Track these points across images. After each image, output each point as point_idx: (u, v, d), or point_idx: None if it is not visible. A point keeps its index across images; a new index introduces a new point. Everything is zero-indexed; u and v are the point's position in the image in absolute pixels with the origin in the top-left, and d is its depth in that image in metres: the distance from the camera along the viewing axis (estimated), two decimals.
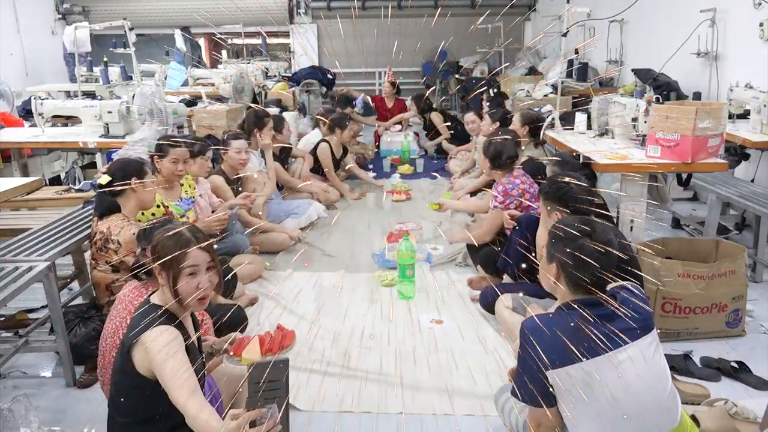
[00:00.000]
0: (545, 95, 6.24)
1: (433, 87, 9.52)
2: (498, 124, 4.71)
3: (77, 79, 4.97)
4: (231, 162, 3.83)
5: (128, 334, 1.66)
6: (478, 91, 6.41)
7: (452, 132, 6.76)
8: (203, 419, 1.49)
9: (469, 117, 5.39)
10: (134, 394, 1.63)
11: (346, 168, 5.46)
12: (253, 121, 4.33)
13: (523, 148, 4.15)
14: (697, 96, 4.63)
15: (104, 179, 2.58)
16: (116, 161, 2.77)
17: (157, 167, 3.11)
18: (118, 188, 2.57)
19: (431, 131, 6.96)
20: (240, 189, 3.94)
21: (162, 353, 1.55)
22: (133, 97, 4.12)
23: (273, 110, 6.33)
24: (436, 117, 6.71)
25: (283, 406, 1.42)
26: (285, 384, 1.40)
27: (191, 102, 5.66)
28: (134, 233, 2.42)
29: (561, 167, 2.90)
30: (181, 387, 1.53)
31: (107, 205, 2.58)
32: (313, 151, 5.19)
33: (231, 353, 1.92)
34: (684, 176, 3.84)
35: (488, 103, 5.92)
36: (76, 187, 3.93)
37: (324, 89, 8.95)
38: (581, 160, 3.22)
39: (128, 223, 2.53)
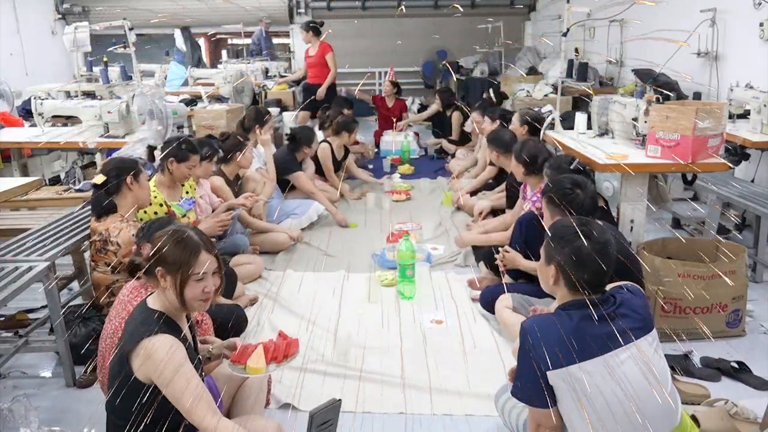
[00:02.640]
0: (545, 95, 6.25)
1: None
2: (498, 122, 4.71)
3: (76, 77, 4.98)
4: (245, 163, 3.87)
5: (125, 339, 1.63)
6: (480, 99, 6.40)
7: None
8: None
9: (475, 116, 5.38)
10: (131, 398, 1.63)
11: (345, 167, 5.45)
12: (254, 118, 4.41)
13: None
14: (697, 96, 4.62)
15: (99, 178, 2.56)
16: (110, 160, 2.75)
17: (169, 169, 3.11)
18: (114, 187, 2.57)
19: (444, 128, 6.89)
20: (238, 189, 3.95)
21: (168, 366, 1.54)
22: (133, 97, 4.12)
23: (273, 110, 6.35)
24: (456, 117, 6.67)
25: None
26: (337, 419, 1.55)
27: (191, 102, 5.66)
28: (133, 234, 2.42)
29: (556, 172, 2.87)
30: (196, 402, 1.53)
31: (104, 204, 2.57)
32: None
33: (234, 361, 1.93)
34: (690, 176, 3.84)
35: (492, 97, 5.93)
36: (76, 187, 3.93)
37: None
38: (575, 164, 3.20)
39: (127, 224, 2.52)
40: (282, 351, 2.67)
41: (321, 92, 6.55)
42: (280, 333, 2.90)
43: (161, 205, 2.98)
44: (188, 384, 1.54)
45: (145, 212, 2.91)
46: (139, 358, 1.58)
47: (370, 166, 6.27)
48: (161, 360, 1.54)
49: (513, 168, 3.33)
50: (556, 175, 2.72)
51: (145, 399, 1.60)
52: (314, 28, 6.56)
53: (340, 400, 1.50)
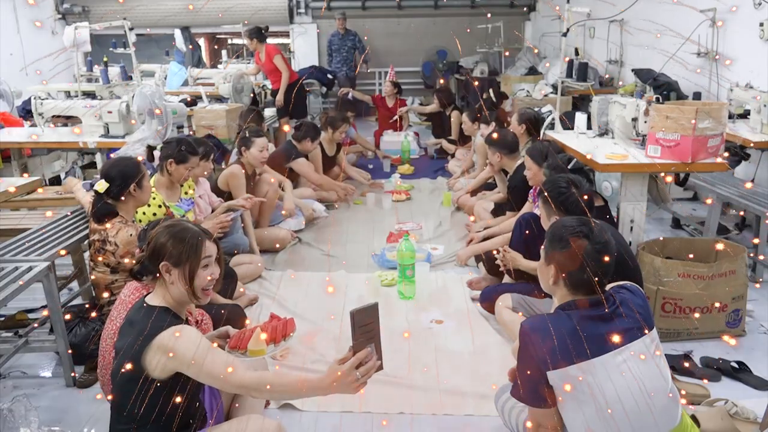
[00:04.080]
0: (545, 95, 6.25)
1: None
2: (493, 124, 4.71)
3: (78, 78, 4.98)
4: (252, 160, 3.88)
5: (134, 340, 1.61)
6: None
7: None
8: (295, 378, 1.52)
9: (464, 118, 5.40)
10: (139, 397, 1.62)
11: (340, 164, 5.46)
12: (258, 119, 4.47)
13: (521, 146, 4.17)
14: (697, 96, 4.63)
15: (102, 186, 2.52)
16: (112, 164, 2.66)
17: (169, 170, 3.11)
18: (117, 194, 2.54)
19: (443, 128, 6.89)
20: (254, 185, 3.98)
21: (197, 349, 1.55)
22: (133, 97, 4.12)
23: (272, 110, 6.36)
24: (456, 116, 6.66)
25: (379, 345, 1.52)
26: (378, 324, 1.51)
27: (191, 102, 5.66)
28: (131, 234, 2.42)
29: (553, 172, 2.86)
30: (241, 369, 1.54)
31: (106, 210, 2.55)
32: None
33: (233, 347, 1.93)
34: (681, 176, 3.84)
35: (492, 97, 5.94)
36: (79, 182, 3.92)
37: (324, 89, 8.96)
38: (572, 165, 3.20)
39: (125, 224, 2.52)
40: (280, 331, 2.64)
41: (279, 99, 6.23)
42: (272, 315, 2.88)
43: (160, 206, 2.98)
44: (217, 358, 1.56)
45: (144, 213, 2.91)
46: (157, 353, 1.57)
47: (370, 166, 6.27)
48: (187, 348, 1.55)
49: (534, 173, 3.19)
50: (553, 175, 2.72)
51: (154, 396, 1.60)
52: (257, 35, 6.24)
53: (377, 302, 1.50)
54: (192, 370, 1.57)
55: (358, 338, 1.47)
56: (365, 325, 1.47)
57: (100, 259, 2.54)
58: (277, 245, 4.01)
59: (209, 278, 1.75)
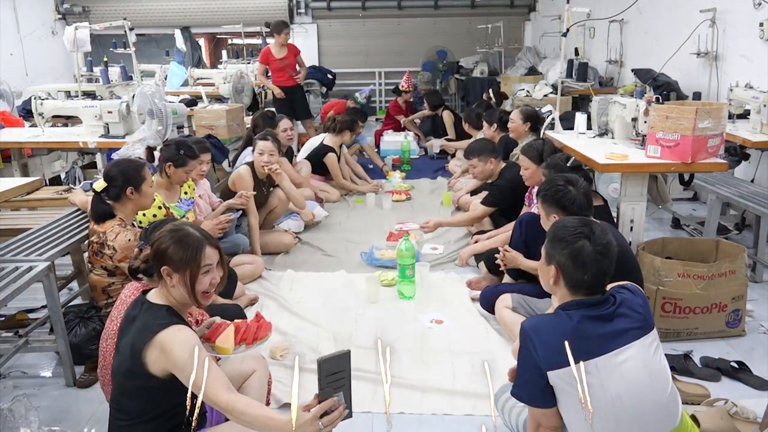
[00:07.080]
0: (545, 95, 6.25)
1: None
2: (496, 125, 4.71)
3: (77, 78, 4.98)
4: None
5: (136, 335, 1.63)
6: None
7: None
8: (263, 414, 1.52)
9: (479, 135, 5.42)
10: (141, 394, 1.63)
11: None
12: (268, 123, 4.51)
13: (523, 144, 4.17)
14: (697, 96, 4.62)
15: (100, 185, 2.53)
16: (114, 164, 2.66)
17: (168, 173, 3.11)
18: (115, 195, 2.54)
19: (439, 129, 6.90)
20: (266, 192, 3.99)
21: (188, 353, 1.55)
22: (133, 97, 4.12)
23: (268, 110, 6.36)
24: (447, 116, 6.68)
25: (349, 393, 1.49)
26: (349, 372, 1.48)
27: (191, 102, 5.66)
28: (130, 239, 2.42)
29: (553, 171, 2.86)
30: (218, 386, 1.54)
31: (103, 210, 2.55)
32: (320, 157, 5.19)
33: (205, 338, 1.94)
34: (687, 176, 3.84)
35: (492, 97, 5.94)
36: (76, 188, 3.92)
37: (324, 89, 8.96)
38: (570, 163, 3.20)
39: (124, 228, 2.51)
40: (252, 333, 2.60)
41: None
42: (257, 314, 2.86)
43: (160, 207, 2.98)
44: (208, 370, 1.55)
45: (144, 214, 2.90)
46: (156, 350, 1.58)
47: (370, 166, 6.27)
48: (181, 350, 1.55)
49: (531, 172, 3.24)
50: (552, 174, 2.72)
51: (154, 393, 1.61)
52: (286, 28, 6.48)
53: (349, 350, 1.46)
54: (180, 375, 1.57)
55: (325, 387, 1.44)
56: (335, 374, 1.44)
57: (97, 261, 2.54)
58: (281, 251, 3.99)
59: (210, 283, 1.76)
